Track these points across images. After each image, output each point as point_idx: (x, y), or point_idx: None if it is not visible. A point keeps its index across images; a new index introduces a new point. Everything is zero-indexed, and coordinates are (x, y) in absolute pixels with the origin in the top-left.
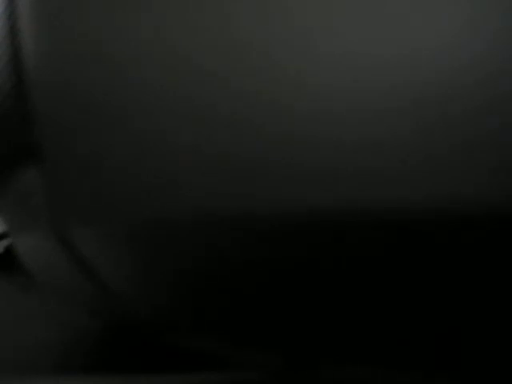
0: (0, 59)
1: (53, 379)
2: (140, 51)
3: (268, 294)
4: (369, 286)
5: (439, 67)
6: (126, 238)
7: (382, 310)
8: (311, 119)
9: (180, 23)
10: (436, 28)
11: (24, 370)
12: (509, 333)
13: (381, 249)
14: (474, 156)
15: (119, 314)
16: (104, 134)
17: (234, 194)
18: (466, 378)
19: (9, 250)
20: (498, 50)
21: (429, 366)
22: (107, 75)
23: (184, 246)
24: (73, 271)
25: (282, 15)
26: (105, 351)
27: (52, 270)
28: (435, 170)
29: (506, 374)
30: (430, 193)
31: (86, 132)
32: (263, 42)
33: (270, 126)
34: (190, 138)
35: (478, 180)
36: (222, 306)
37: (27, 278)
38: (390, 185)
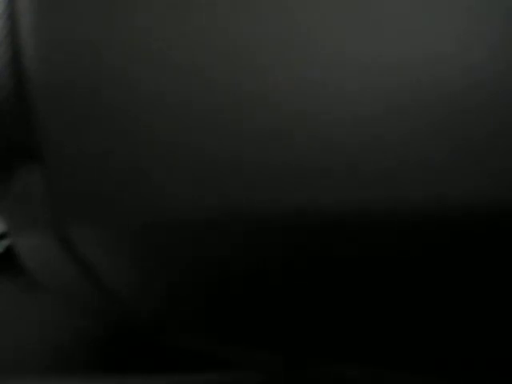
0: (0, 59)
1: (53, 379)
2: (140, 52)
3: (268, 294)
4: (368, 287)
5: (440, 68)
6: (126, 239)
7: (382, 311)
8: (311, 120)
9: (180, 24)
10: (437, 29)
11: (24, 370)
12: (509, 334)
13: (379, 249)
14: (474, 156)
15: (119, 314)
16: (104, 135)
17: (235, 196)
18: (465, 379)
19: (9, 250)
20: (500, 51)
21: (428, 367)
22: (107, 75)
23: (184, 247)
24: (73, 271)
25: (282, 15)
26: (105, 351)
27: (52, 270)
28: (435, 171)
29: (506, 374)
30: (429, 193)
31: (87, 132)
32: (263, 42)
33: (269, 127)
34: (191, 138)
35: (477, 180)
36: (223, 306)
37: (27, 278)
38: (391, 185)
